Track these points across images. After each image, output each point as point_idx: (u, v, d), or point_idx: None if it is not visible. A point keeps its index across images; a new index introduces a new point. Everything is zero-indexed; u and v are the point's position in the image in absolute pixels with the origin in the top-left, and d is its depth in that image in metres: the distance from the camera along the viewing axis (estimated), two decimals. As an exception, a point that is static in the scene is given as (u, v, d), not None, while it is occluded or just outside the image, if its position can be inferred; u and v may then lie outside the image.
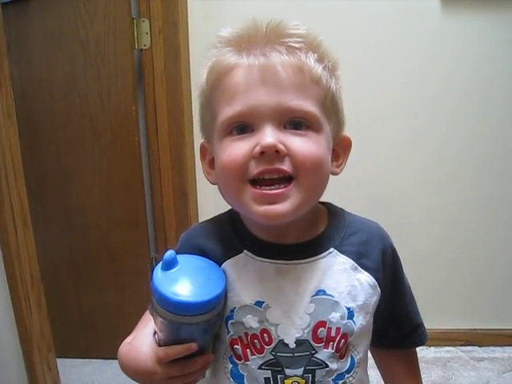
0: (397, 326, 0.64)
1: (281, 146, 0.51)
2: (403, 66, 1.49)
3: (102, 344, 1.58)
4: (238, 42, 0.55)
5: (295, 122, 0.53)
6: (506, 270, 1.58)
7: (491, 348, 1.58)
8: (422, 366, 1.52)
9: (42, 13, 1.45)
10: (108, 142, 1.50)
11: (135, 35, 1.45)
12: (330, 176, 0.58)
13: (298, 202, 0.53)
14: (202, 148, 0.63)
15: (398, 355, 0.67)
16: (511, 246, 1.57)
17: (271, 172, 0.52)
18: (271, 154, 0.51)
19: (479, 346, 1.59)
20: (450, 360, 1.54)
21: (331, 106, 0.57)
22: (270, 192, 0.52)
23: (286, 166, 0.52)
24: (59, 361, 1.30)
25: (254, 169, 0.52)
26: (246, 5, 1.46)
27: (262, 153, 0.51)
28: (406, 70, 1.49)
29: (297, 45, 0.53)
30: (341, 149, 0.60)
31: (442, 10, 1.44)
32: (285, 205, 0.52)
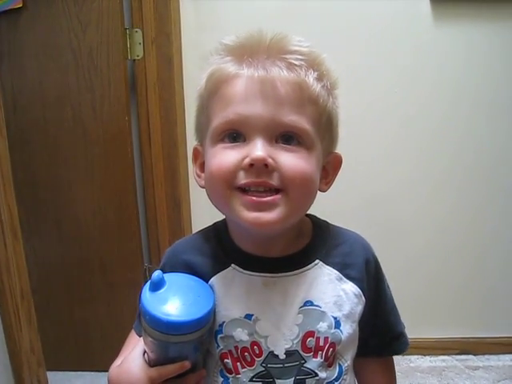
0: (378, 335, 0.65)
1: (270, 161, 0.51)
2: (394, 72, 1.49)
3: (95, 356, 1.56)
4: (241, 53, 0.55)
5: (287, 137, 0.54)
6: (501, 278, 1.59)
7: (486, 356, 1.58)
8: (417, 375, 1.53)
9: (34, 23, 1.44)
10: (101, 153, 1.50)
11: (128, 45, 1.45)
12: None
13: (286, 212, 0.53)
14: (195, 151, 0.63)
15: (377, 363, 0.68)
16: (505, 253, 1.58)
17: (258, 185, 0.52)
18: (260, 167, 0.51)
19: (474, 355, 1.59)
20: (446, 369, 1.54)
21: (326, 125, 0.58)
22: (259, 199, 0.52)
23: (273, 181, 0.52)
24: (51, 374, 1.28)
25: (242, 179, 0.52)
26: (238, 16, 1.47)
27: (251, 165, 0.51)
28: (396, 76, 1.49)
29: (297, 62, 0.54)
30: (331, 167, 0.61)
31: (433, 20, 1.46)
32: (273, 213, 0.52)
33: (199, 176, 0.62)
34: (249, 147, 0.52)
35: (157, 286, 0.53)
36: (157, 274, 0.54)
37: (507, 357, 1.57)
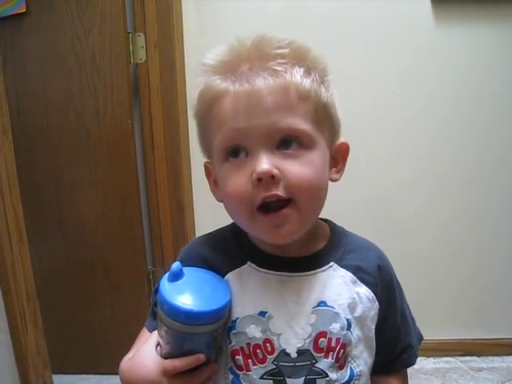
0: (387, 347, 0.64)
1: (275, 171, 0.52)
2: (395, 74, 1.50)
3: (99, 359, 1.56)
4: (224, 70, 0.55)
5: (287, 141, 0.54)
6: (504, 278, 1.58)
7: (490, 358, 1.58)
8: (420, 376, 1.53)
9: (37, 27, 1.45)
10: (104, 156, 1.50)
11: (131, 49, 1.46)
12: None
13: (299, 221, 0.55)
14: (206, 168, 0.64)
15: (391, 379, 0.67)
16: (508, 254, 1.58)
17: (270, 198, 0.53)
18: (267, 179, 0.52)
19: (478, 356, 1.59)
20: (449, 370, 1.54)
21: (323, 116, 0.57)
22: (275, 214, 0.54)
23: (281, 191, 0.53)
24: (56, 377, 1.28)
25: (256, 196, 0.53)
26: (240, 19, 1.48)
27: (259, 179, 0.52)
28: (397, 78, 1.50)
29: (280, 67, 0.54)
30: (339, 155, 0.62)
31: (434, 22, 1.46)
32: (288, 226, 0.55)
33: (215, 191, 0.63)
34: (253, 162, 0.53)
35: (175, 277, 0.55)
36: (176, 265, 0.55)
37: (511, 358, 1.57)
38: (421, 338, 0.69)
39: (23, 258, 1.10)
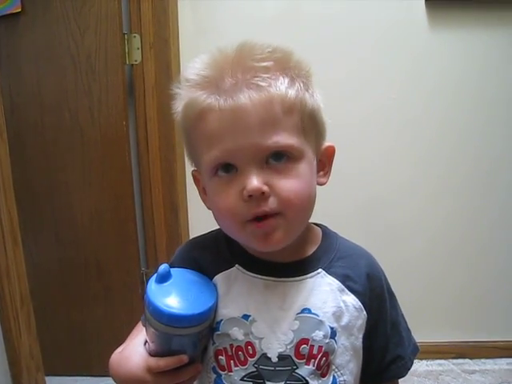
0: (376, 357, 0.63)
1: (265, 188, 0.53)
2: (390, 78, 1.51)
3: (91, 361, 1.55)
4: (208, 85, 0.54)
5: (276, 156, 0.54)
6: (497, 281, 1.59)
7: (482, 360, 1.59)
8: (414, 379, 1.53)
9: (33, 27, 1.44)
10: (98, 157, 1.50)
11: (126, 50, 1.46)
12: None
13: (287, 232, 0.56)
14: (194, 177, 0.64)
15: None
16: (501, 258, 1.59)
17: (260, 214, 0.54)
18: (258, 196, 0.53)
19: (470, 359, 1.60)
20: (442, 373, 1.55)
21: (309, 124, 0.57)
22: (263, 223, 0.54)
23: (271, 206, 0.53)
24: (47, 379, 1.27)
25: (247, 212, 0.54)
26: (236, 21, 1.48)
27: (249, 196, 0.53)
28: (393, 82, 1.51)
29: (264, 82, 0.53)
30: (326, 158, 0.62)
31: (429, 26, 1.47)
32: (278, 233, 0.55)
33: (204, 199, 0.63)
34: (243, 179, 0.53)
35: (163, 279, 0.56)
36: (163, 267, 0.56)
37: (503, 360, 1.58)
38: (416, 350, 0.67)
39: (17, 261, 1.10)
